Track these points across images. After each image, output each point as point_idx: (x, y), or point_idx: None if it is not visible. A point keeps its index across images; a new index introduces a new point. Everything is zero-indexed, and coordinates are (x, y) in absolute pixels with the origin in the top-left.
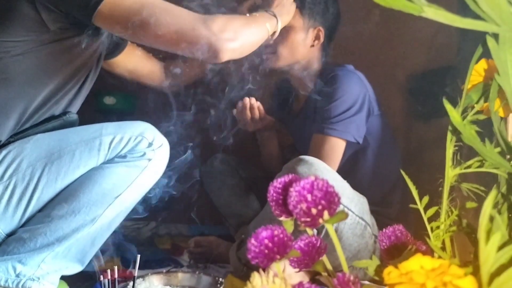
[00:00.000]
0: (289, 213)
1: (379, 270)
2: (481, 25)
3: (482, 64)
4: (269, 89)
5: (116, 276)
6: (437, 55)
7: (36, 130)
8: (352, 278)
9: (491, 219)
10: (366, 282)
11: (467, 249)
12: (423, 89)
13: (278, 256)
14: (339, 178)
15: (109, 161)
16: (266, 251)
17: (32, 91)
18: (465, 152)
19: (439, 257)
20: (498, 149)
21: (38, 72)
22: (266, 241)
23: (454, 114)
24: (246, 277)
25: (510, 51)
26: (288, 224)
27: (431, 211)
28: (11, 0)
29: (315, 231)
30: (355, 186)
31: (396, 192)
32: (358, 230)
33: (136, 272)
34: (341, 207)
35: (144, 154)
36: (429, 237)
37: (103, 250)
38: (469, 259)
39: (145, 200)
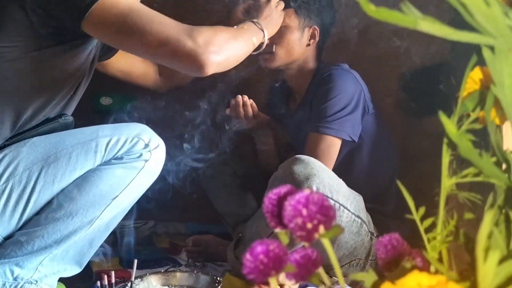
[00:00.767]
0: (284, 225)
1: (376, 283)
2: (477, 38)
3: (477, 73)
4: (265, 87)
5: (113, 280)
6: (431, 51)
7: (32, 133)
8: None
9: (490, 235)
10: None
11: (463, 258)
12: (417, 86)
13: (273, 272)
14: (334, 176)
15: (106, 163)
16: (262, 266)
17: (26, 96)
18: (460, 158)
19: (436, 270)
20: (494, 159)
21: (32, 77)
22: (261, 256)
23: (450, 127)
24: (244, 276)
25: (506, 62)
26: (284, 236)
27: (427, 222)
28: (3, 5)
29: None
30: (351, 184)
31: (392, 190)
32: (354, 228)
33: (133, 277)
34: (337, 206)
35: (141, 155)
36: (425, 248)
37: (101, 251)
38: (466, 269)
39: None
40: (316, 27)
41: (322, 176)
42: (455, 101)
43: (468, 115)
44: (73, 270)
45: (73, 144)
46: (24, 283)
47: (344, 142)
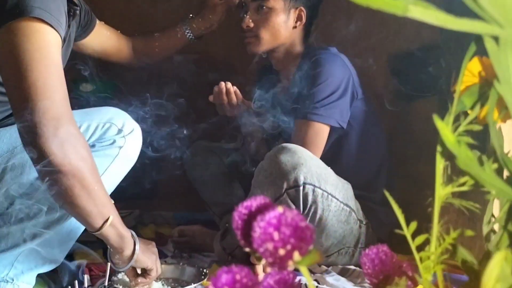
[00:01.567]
0: None
1: None
2: (480, 27)
3: (476, 64)
4: (250, 73)
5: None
6: (420, 34)
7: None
8: None
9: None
10: (352, 267)
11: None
12: (406, 69)
13: None
14: (322, 165)
15: None
16: None
17: None
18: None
19: None
20: (495, 165)
21: None
22: None
23: (446, 133)
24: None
25: None
26: (257, 257)
27: (420, 239)
28: None
29: (301, 207)
30: (339, 171)
31: (381, 176)
32: (343, 217)
33: (106, 282)
34: (325, 195)
35: (114, 141)
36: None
37: (83, 242)
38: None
39: None
40: (303, 8)
41: (309, 165)
42: (450, 97)
43: (465, 113)
44: (51, 264)
45: None
46: (0, 281)
47: (332, 129)
